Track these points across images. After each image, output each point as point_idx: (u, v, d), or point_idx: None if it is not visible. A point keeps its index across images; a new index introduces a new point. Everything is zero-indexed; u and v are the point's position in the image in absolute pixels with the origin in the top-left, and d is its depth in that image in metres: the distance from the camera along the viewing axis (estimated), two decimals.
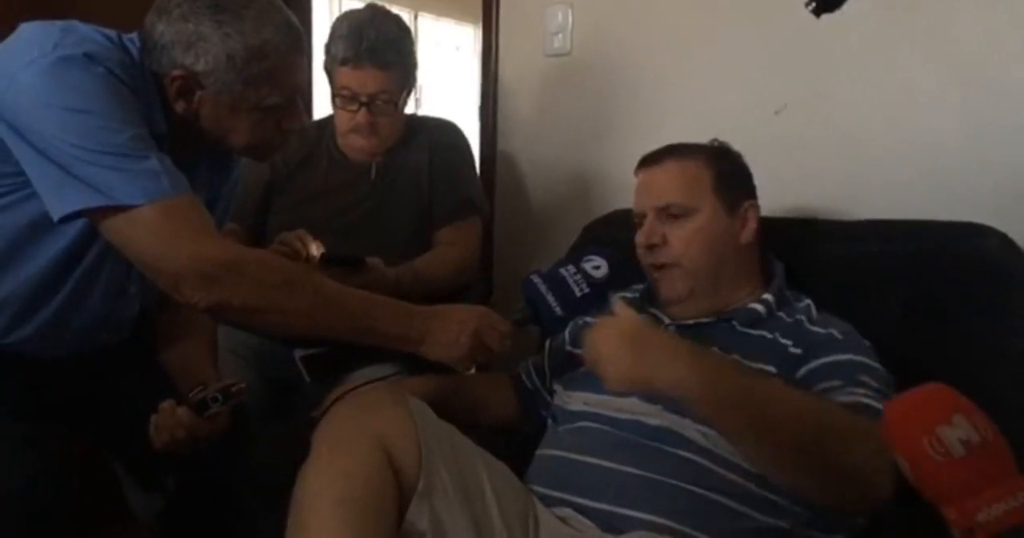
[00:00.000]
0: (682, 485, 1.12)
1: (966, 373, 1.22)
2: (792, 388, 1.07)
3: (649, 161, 1.37)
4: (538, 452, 1.29)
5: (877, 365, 1.17)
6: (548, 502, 1.18)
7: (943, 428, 0.73)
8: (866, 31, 1.58)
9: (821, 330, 1.23)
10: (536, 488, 1.21)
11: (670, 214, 1.31)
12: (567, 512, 1.16)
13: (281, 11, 1.24)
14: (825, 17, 1.62)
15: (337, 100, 1.80)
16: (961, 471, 0.72)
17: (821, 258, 1.44)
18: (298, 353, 1.32)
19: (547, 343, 1.49)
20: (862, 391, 1.10)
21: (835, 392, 1.12)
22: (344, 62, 1.74)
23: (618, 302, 1.09)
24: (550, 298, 1.23)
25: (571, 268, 1.26)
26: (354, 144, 1.83)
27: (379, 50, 1.73)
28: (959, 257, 1.30)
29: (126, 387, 1.37)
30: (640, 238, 1.32)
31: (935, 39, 1.51)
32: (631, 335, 1.02)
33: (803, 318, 1.27)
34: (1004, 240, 1.28)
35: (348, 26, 1.76)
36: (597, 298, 1.26)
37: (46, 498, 1.13)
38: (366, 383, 1.24)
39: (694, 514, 1.10)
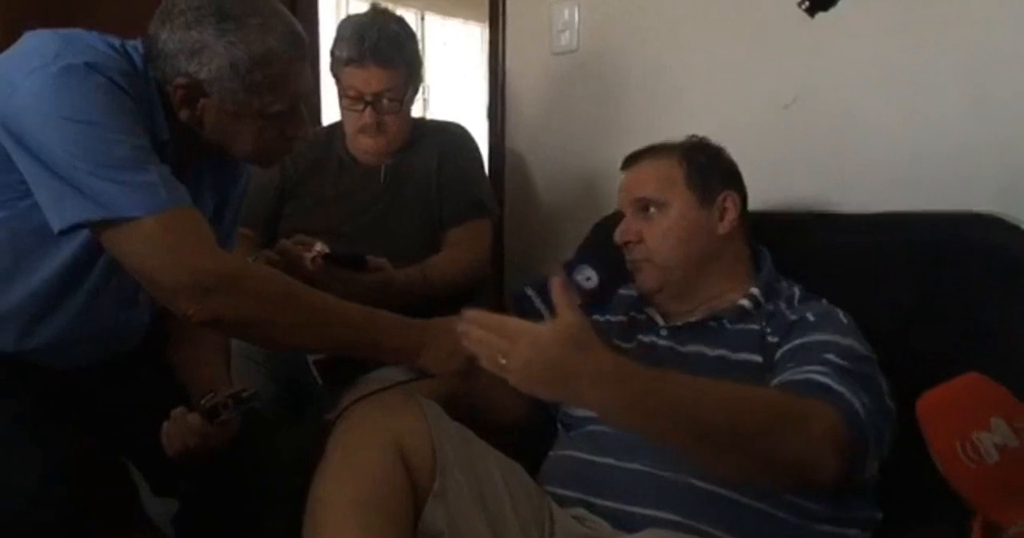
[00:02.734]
0: (694, 482, 1.12)
1: (981, 364, 1.21)
2: (730, 387, 1.07)
3: (627, 162, 1.40)
4: (551, 453, 1.29)
5: (852, 342, 1.17)
6: (562, 502, 1.18)
7: (979, 433, 0.70)
8: (875, 23, 1.57)
9: (796, 315, 1.24)
10: (550, 488, 1.21)
11: (645, 209, 1.33)
12: (581, 511, 1.16)
13: (285, 19, 1.24)
14: (834, 10, 1.61)
15: (344, 101, 1.81)
16: (992, 478, 0.69)
17: (834, 251, 1.44)
18: (311, 357, 1.31)
19: None
20: (818, 368, 1.11)
21: (789, 373, 1.13)
22: (348, 62, 1.75)
23: (562, 302, 1.01)
24: (544, 311, 1.23)
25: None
26: (362, 145, 1.83)
27: (382, 49, 1.74)
28: (973, 248, 1.29)
29: (138, 394, 1.37)
30: (617, 235, 1.35)
31: (945, 29, 1.49)
32: (555, 353, 0.97)
33: (783, 305, 1.28)
34: (1017, 230, 1.27)
35: (351, 27, 1.77)
36: (588, 309, 1.26)
37: (59, 503, 1.14)
38: (381, 389, 1.24)
39: (706, 510, 1.10)
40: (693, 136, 1.41)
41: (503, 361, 0.98)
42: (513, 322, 1.00)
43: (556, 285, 1.02)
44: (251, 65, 1.18)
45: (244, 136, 1.24)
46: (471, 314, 1.03)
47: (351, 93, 1.77)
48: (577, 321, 0.98)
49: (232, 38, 1.17)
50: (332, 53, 1.80)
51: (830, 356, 1.12)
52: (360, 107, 1.78)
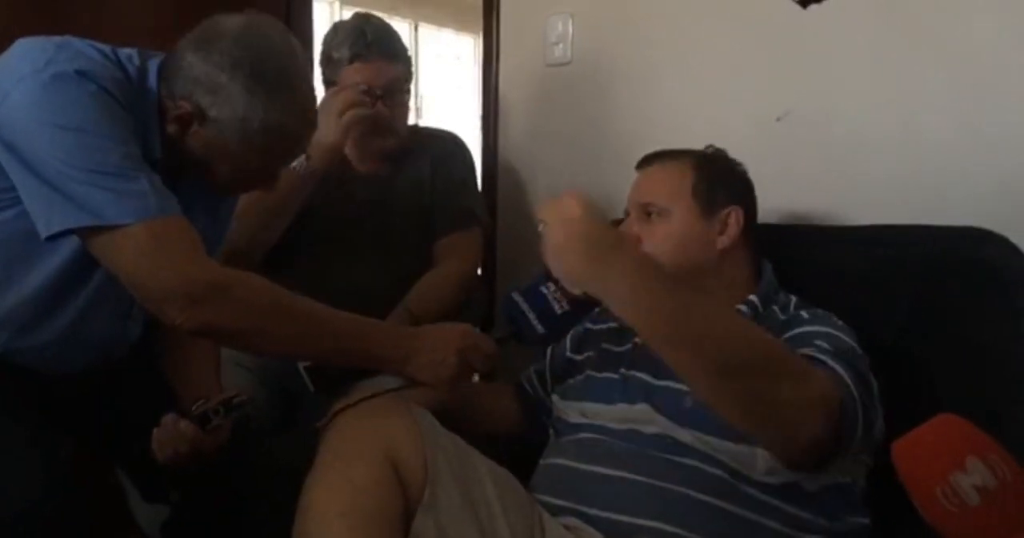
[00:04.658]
0: (685, 491, 1.12)
1: (972, 378, 1.22)
2: (752, 325, 1.08)
3: (642, 162, 1.41)
4: (542, 461, 1.29)
5: (845, 338, 1.17)
6: (553, 511, 1.18)
7: (956, 475, 0.69)
8: (867, 37, 1.58)
9: (787, 316, 1.26)
10: (541, 497, 1.21)
11: (648, 214, 1.34)
12: (572, 521, 1.16)
13: (310, 100, 1.26)
14: (826, 23, 1.62)
15: None
16: (976, 522, 0.69)
17: (825, 263, 1.44)
18: (302, 364, 1.31)
19: (549, 350, 1.50)
20: (811, 349, 1.11)
21: None
22: (353, 59, 1.76)
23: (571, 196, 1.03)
24: (531, 316, 1.22)
25: (551, 285, 1.25)
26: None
27: (384, 42, 1.77)
28: (964, 262, 1.30)
29: (130, 400, 1.37)
30: None
31: (937, 44, 1.50)
32: (593, 236, 1.00)
33: (777, 309, 1.29)
34: (1008, 245, 1.27)
35: (345, 30, 1.78)
36: (577, 315, 1.27)
37: (61, 509, 1.14)
38: (371, 396, 1.24)
39: (697, 521, 1.10)
40: (710, 146, 1.42)
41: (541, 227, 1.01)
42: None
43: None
44: (260, 128, 1.19)
45: (220, 171, 1.25)
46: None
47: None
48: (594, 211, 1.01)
49: (255, 101, 1.18)
50: (328, 61, 1.80)
51: (821, 343, 1.13)
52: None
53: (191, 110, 1.19)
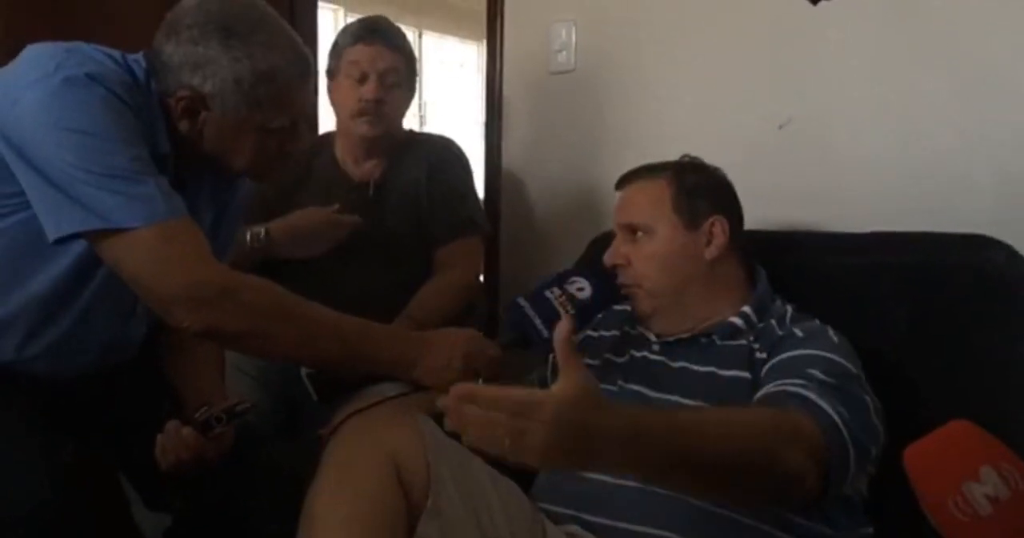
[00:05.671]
0: (686, 499, 1.11)
1: (974, 386, 1.22)
2: (726, 418, 1.03)
3: (620, 182, 1.41)
4: None
5: (838, 358, 1.16)
6: (556, 519, 1.18)
7: (969, 484, 0.68)
8: (870, 45, 1.58)
9: (784, 332, 1.25)
10: (543, 504, 1.21)
11: (633, 233, 1.33)
12: (575, 529, 1.16)
13: (290, 37, 1.25)
14: (829, 32, 1.62)
15: (345, 82, 1.80)
16: (987, 532, 0.68)
17: (827, 271, 1.44)
18: (305, 371, 1.32)
19: (550, 357, 1.49)
20: (797, 381, 1.10)
21: (769, 386, 1.13)
22: (356, 41, 1.79)
23: (568, 358, 0.88)
24: (537, 321, 1.23)
25: (555, 290, 1.26)
26: (359, 130, 1.81)
27: (389, 33, 1.80)
28: (966, 269, 1.30)
29: (132, 406, 1.37)
30: (605, 258, 1.36)
31: (939, 52, 1.51)
32: (572, 442, 0.83)
33: (774, 323, 1.28)
34: (1011, 252, 1.27)
35: (355, 23, 1.83)
36: (582, 319, 1.27)
37: (65, 513, 1.14)
38: (375, 403, 1.24)
39: (699, 528, 1.10)
40: (686, 156, 1.41)
41: (508, 441, 0.82)
42: (516, 394, 0.84)
43: (560, 334, 0.90)
44: (255, 81, 1.20)
45: (243, 150, 1.25)
46: (459, 389, 0.85)
47: (354, 72, 1.78)
48: (589, 377, 0.88)
49: (237, 54, 1.18)
50: (335, 46, 1.82)
51: (813, 371, 1.12)
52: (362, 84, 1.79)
53: (189, 95, 1.19)
